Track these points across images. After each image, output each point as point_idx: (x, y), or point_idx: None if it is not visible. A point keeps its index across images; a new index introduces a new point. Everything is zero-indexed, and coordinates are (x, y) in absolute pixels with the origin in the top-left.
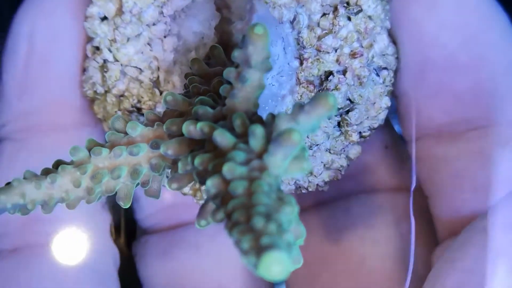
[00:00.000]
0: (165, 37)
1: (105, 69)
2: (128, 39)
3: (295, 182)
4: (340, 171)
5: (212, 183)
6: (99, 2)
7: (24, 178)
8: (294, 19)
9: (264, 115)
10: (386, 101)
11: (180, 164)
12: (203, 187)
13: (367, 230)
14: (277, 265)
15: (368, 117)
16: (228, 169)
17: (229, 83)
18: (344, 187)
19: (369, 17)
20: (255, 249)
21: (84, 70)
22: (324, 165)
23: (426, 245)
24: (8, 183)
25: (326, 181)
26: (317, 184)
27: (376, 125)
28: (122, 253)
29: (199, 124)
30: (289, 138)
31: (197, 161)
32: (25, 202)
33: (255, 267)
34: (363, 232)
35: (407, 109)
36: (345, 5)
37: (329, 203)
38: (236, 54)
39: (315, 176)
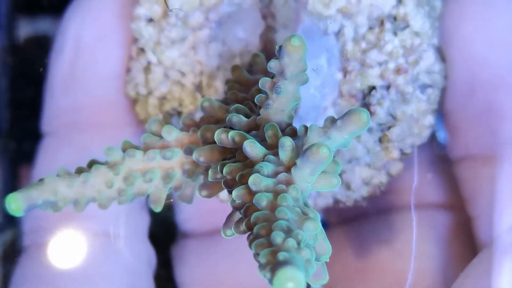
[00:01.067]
0: (210, 42)
1: (148, 71)
2: (172, 42)
3: (332, 195)
4: (380, 187)
5: (237, 194)
6: (146, 4)
7: (57, 175)
8: (339, 31)
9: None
10: (429, 120)
11: (210, 172)
12: None
13: (406, 245)
14: (291, 282)
15: (410, 135)
16: (254, 180)
17: (266, 93)
18: (385, 201)
19: (416, 33)
20: (271, 264)
21: (128, 70)
22: (363, 180)
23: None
24: (41, 180)
25: (365, 196)
26: (355, 199)
27: (418, 143)
28: None
29: (231, 133)
30: (317, 153)
31: (225, 170)
32: (57, 200)
33: (270, 283)
34: (402, 248)
35: (454, 128)
36: (392, 20)
37: (369, 217)
38: (272, 64)
39: (353, 191)
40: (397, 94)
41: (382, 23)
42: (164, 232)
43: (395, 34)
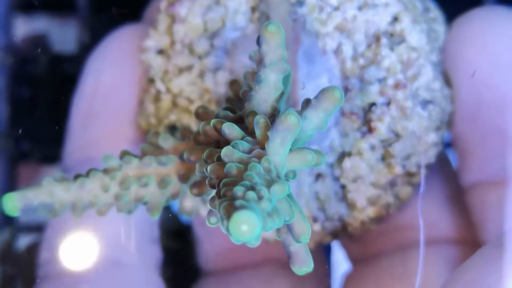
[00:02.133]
0: (216, 70)
1: (157, 100)
2: (180, 70)
3: (339, 217)
4: (387, 209)
5: (211, 169)
6: (155, 35)
7: (55, 179)
8: (337, 48)
9: (310, 148)
10: (433, 137)
11: (197, 166)
12: None
13: (423, 282)
14: (244, 224)
15: (415, 153)
16: (225, 152)
17: (249, 85)
18: (400, 237)
19: (413, 48)
20: (226, 213)
21: (141, 103)
22: (368, 199)
23: None
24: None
25: (372, 217)
26: (362, 220)
27: (424, 163)
28: None
29: (213, 121)
30: (286, 120)
31: (205, 154)
32: (53, 202)
33: (228, 231)
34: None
35: (462, 152)
36: (388, 36)
37: (385, 254)
38: (252, 54)
39: (359, 211)
40: (398, 110)
41: (378, 39)
42: (183, 272)
43: (391, 49)
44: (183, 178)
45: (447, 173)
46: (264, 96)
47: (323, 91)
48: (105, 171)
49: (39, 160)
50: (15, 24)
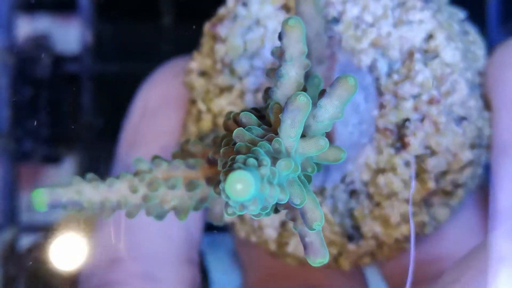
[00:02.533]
0: (257, 90)
1: (199, 120)
2: (221, 91)
3: (373, 235)
4: (422, 228)
5: (223, 151)
6: (198, 57)
7: (86, 179)
8: (372, 65)
9: (345, 164)
10: (468, 155)
11: (219, 163)
12: None
13: None
14: (239, 183)
15: (450, 171)
16: (237, 133)
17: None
18: (441, 267)
19: (446, 64)
20: (224, 176)
21: (185, 125)
22: (402, 216)
23: None
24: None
25: (406, 235)
26: (396, 238)
27: (460, 182)
28: None
29: (232, 113)
30: (295, 100)
31: (223, 144)
32: (81, 200)
33: (224, 193)
34: None
35: (501, 177)
36: (423, 52)
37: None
38: (273, 50)
39: (393, 227)
40: (431, 125)
41: (412, 55)
42: None
43: (425, 64)
44: (211, 181)
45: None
46: (285, 91)
47: (337, 79)
48: (135, 173)
49: (41, 161)
50: (17, 24)
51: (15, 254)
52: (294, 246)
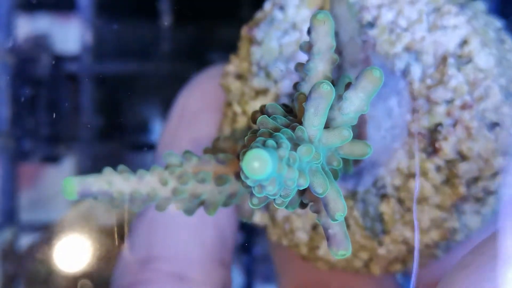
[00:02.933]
0: (293, 94)
1: (234, 122)
2: (256, 93)
3: (403, 240)
4: (453, 234)
5: (247, 138)
6: (235, 61)
7: (117, 171)
8: (406, 69)
9: (377, 168)
10: (500, 162)
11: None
12: None
13: None
14: (256, 161)
15: (482, 177)
16: (261, 120)
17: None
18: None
19: (480, 69)
20: (242, 156)
21: (221, 128)
22: (432, 221)
23: None
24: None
25: (436, 240)
26: (427, 243)
27: (491, 189)
28: None
29: (260, 106)
30: (318, 88)
31: (247, 136)
32: (111, 190)
33: (243, 172)
34: None
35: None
36: (456, 56)
37: None
38: (302, 44)
39: (423, 232)
40: (463, 130)
41: (445, 59)
42: None
43: (458, 69)
44: (239, 176)
45: None
46: (312, 85)
47: (362, 72)
48: (166, 167)
49: (40, 160)
50: (17, 24)
51: (15, 253)
52: (325, 250)
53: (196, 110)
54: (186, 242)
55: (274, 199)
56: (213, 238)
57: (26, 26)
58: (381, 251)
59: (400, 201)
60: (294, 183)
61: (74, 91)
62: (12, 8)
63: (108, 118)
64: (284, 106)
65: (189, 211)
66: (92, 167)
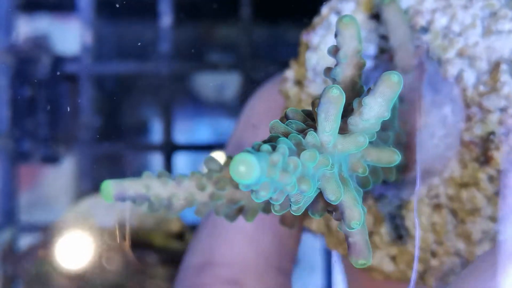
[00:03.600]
0: None
1: None
2: (313, 100)
3: (456, 252)
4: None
5: (263, 148)
6: (294, 66)
7: (157, 175)
8: (458, 75)
9: (431, 178)
10: None
11: None
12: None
13: None
14: (242, 165)
15: None
16: (273, 125)
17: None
18: None
19: None
20: None
21: None
22: (484, 232)
23: None
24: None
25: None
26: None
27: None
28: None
29: (285, 111)
30: (327, 93)
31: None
32: (149, 194)
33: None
34: None
35: None
36: (509, 62)
37: None
38: (330, 48)
39: (474, 244)
40: None
41: (498, 65)
42: None
43: (511, 76)
44: None
45: None
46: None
47: (381, 76)
48: (205, 172)
49: (40, 160)
50: (16, 25)
51: (14, 254)
52: (378, 259)
53: (261, 115)
54: (243, 249)
55: (273, 204)
56: (271, 245)
57: (26, 27)
58: (435, 262)
59: (453, 212)
60: (295, 188)
61: (73, 92)
62: (12, 9)
63: (108, 119)
64: (308, 111)
65: (230, 217)
66: (92, 168)
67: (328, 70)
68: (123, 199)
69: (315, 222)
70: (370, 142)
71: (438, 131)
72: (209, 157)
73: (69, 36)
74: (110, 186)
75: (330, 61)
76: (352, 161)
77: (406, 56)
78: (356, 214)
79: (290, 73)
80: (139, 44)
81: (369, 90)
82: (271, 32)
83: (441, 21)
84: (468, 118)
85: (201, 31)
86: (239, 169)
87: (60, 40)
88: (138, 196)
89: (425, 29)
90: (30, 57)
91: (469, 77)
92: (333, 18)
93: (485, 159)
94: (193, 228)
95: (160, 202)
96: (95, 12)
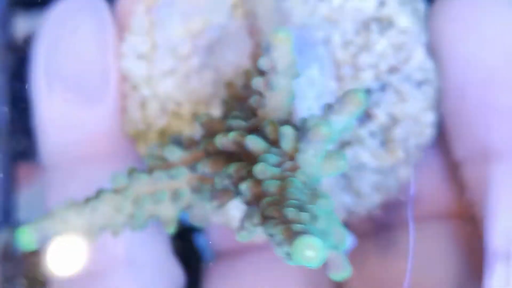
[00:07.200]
0: (201, 70)
1: (144, 107)
2: (164, 75)
3: (344, 207)
4: (391, 193)
5: (245, 187)
6: (131, 38)
7: (66, 206)
8: (327, 39)
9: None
10: (429, 117)
11: (216, 179)
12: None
13: (420, 258)
14: (310, 250)
15: (413, 135)
16: (260, 169)
17: (260, 93)
18: (398, 214)
19: (402, 31)
20: (287, 238)
21: (124, 109)
22: (373, 186)
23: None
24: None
25: (377, 204)
26: (368, 208)
27: (422, 143)
28: None
29: (231, 134)
30: (317, 132)
31: (231, 169)
32: (68, 229)
33: (289, 256)
34: (416, 261)
35: (451, 131)
36: (377, 21)
37: (383, 231)
38: (262, 62)
39: (365, 198)
40: (393, 94)
41: (367, 25)
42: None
43: (381, 34)
44: (197, 189)
45: (442, 147)
46: (277, 102)
47: (345, 95)
48: (116, 190)
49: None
50: (15, 23)
51: (13, 254)
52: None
53: None
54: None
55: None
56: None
57: (24, 25)
58: None
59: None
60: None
61: None
62: (10, 7)
63: None
64: (237, 117)
65: (143, 228)
66: None
67: (264, 82)
68: (47, 241)
69: None
70: None
71: (309, 92)
72: (113, 174)
73: None
74: (29, 233)
75: (179, 35)
76: None
77: (271, 26)
78: (344, 237)
79: (127, 47)
80: None
81: (328, 106)
82: None
83: None
84: (341, 78)
85: None
86: (306, 254)
87: None
88: (59, 234)
89: None
90: (29, 56)
91: (338, 40)
92: None
93: (365, 117)
94: None
95: (78, 233)
96: None
